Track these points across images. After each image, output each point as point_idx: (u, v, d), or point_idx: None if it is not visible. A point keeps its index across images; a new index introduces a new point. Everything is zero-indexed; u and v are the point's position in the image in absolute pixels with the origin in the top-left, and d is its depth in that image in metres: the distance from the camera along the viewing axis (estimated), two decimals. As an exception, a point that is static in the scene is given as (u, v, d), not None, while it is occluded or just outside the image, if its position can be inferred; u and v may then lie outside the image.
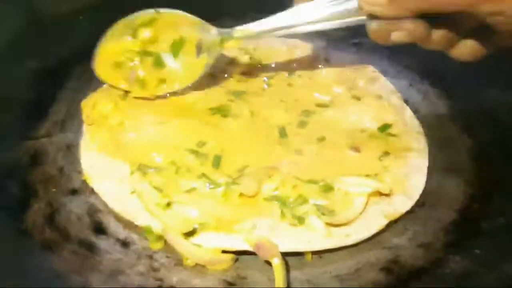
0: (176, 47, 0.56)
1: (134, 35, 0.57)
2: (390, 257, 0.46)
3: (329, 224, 0.46)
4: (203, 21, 0.57)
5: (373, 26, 0.45)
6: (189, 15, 0.57)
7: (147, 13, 0.57)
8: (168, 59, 0.57)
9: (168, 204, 0.46)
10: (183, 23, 0.57)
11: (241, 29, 0.55)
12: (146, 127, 0.56)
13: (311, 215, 0.46)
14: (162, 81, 0.57)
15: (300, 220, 0.46)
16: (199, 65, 0.57)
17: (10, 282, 0.40)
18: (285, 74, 0.67)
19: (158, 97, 0.59)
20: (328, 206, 0.47)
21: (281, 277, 0.42)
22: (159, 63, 0.57)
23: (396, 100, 0.64)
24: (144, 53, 0.57)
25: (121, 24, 0.58)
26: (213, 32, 0.56)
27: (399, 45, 0.55)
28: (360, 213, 0.48)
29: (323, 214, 0.46)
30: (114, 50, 0.57)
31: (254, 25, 0.54)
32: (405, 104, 0.64)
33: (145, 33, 0.56)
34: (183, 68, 0.57)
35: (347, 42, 0.75)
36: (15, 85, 0.62)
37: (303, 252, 0.46)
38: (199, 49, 0.56)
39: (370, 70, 0.68)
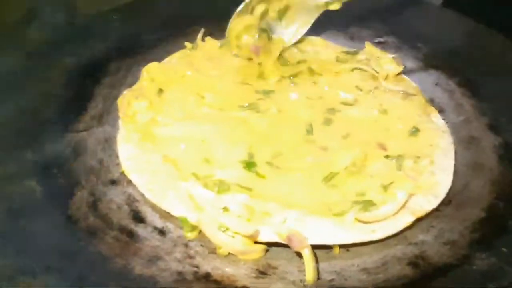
0: (281, 14, 0.70)
1: (252, 11, 0.68)
2: (416, 253, 0.47)
3: (364, 222, 0.47)
4: None
5: None
6: None
7: None
8: (276, 26, 0.70)
9: (225, 208, 0.48)
10: None
11: None
12: (179, 123, 0.59)
13: (352, 209, 0.48)
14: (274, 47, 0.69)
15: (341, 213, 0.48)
16: (302, 24, 0.70)
17: (59, 264, 0.44)
18: (310, 72, 0.69)
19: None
20: (371, 199, 0.49)
21: (311, 267, 0.44)
22: (269, 36, 0.69)
23: (421, 99, 0.65)
24: (261, 30, 0.69)
25: (245, 3, 0.67)
26: None
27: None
28: (402, 207, 0.48)
29: (365, 208, 0.48)
30: (238, 26, 0.68)
31: None
32: (430, 104, 0.65)
33: (259, 9, 0.68)
34: (289, 29, 0.70)
35: (372, 41, 0.76)
36: (55, 82, 0.65)
37: (331, 245, 0.47)
38: (301, 11, 0.69)
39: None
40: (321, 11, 0.69)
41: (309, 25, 0.71)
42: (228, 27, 0.68)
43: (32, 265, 0.43)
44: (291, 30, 0.71)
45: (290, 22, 0.71)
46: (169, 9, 0.80)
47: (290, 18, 0.70)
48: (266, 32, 0.69)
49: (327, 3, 0.68)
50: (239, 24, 0.68)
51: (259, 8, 0.68)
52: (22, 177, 0.52)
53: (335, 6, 0.68)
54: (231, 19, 0.68)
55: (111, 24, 0.75)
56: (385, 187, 0.51)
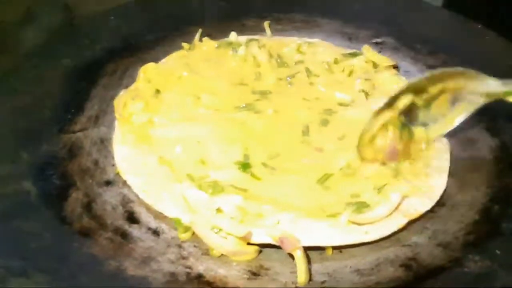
0: (430, 101, 0.54)
1: (392, 104, 0.53)
2: (409, 255, 0.47)
3: (357, 223, 0.47)
4: (480, 73, 0.52)
5: None
6: (461, 69, 0.53)
7: (419, 78, 0.53)
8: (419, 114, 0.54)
9: (218, 210, 0.48)
10: (451, 77, 0.53)
11: None
12: (175, 124, 0.59)
13: (346, 211, 0.48)
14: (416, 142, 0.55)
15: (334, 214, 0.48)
16: (457, 114, 0.55)
17: (53, 265, 0.44)
18: (307, 73, 0.69)
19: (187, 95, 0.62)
20: (364, 200, 0.49)
21: (303, 268, 0.44)
22: (410, 132, 0.54)
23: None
24: (401, 125, 0.54)
25: (389, 97, 0.53)
26: (491, 83, 0.52)
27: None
28: (396, 209, 0.48)
29: (358, 209, 0.48)
30: (373, 127, 0.53)
31: None
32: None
33: (405, 100, 0.52)
34: (434, 119, 0.55)
35: (370, 41, 0.76)
36: (51, 83, 0.65)
37: (324, 246, 0.47)
38: (460, 99, 0.53)
39: (393, 71, 0.69)
40: (490, 100, 0.52)
41: (468, 115, 0.53)
42: (361, 132, 0.53)
43: (25, 266, 0.43)
44: (439, 121, 0.55)
45: (441, 110, 0.54)
46: (166, 9, 0.80)
47: (441, 106, 0.54)
48: (407, 128, 0.53)
49: (506, 93, 0.51)
50: (376, 123, 0.52)
51: (405, 100, 0.51)
52: (17, 178, 0.52)
53: None
54: (367, 123, 0.52)
55: (108, 25, 0.76)
56: (380, 189, 0.51)
